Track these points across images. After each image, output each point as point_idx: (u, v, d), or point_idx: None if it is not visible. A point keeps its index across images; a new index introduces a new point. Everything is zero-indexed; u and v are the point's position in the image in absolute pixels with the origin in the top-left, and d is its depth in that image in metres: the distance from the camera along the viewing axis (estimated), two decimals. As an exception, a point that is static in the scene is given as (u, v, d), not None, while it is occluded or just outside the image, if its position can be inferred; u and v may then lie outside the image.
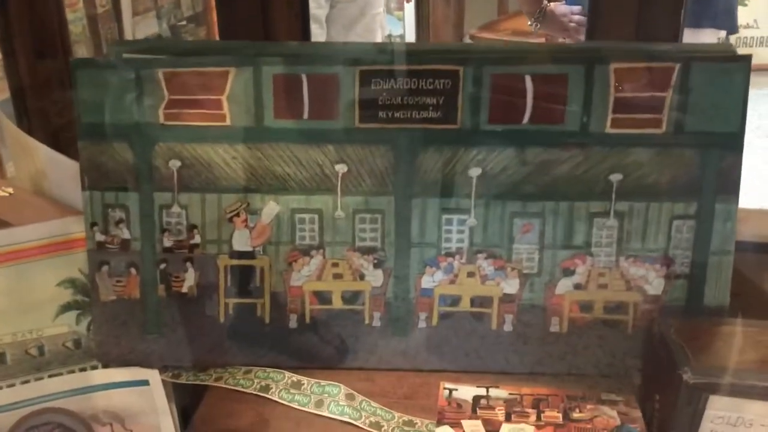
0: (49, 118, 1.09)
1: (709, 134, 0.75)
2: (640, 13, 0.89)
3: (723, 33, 2.00)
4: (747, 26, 4.34)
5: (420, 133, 0.77)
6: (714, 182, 0.76)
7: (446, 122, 0.77)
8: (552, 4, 1.85)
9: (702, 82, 0.74)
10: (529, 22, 1.88)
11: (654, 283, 0.79)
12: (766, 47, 4.34)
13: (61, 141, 0.96)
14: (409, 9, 3.66)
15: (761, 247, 0.91)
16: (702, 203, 0.77)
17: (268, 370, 0.82)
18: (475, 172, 0.78)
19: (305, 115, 0.78)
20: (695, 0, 1.75)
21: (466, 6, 3.56)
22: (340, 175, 0.79)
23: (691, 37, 1.88)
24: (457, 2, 3.52)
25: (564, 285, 0.80)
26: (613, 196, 0.77)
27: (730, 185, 0.76)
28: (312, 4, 2.08)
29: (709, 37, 1.93)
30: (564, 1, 1.91)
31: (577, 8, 1.81)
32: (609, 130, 0.76)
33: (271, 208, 0.80)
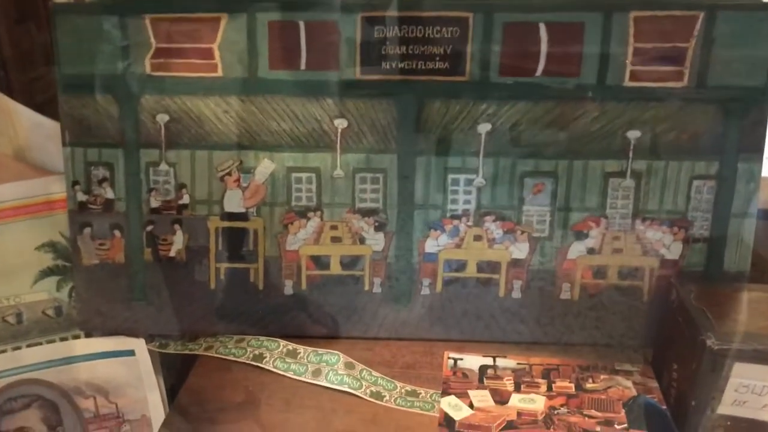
0: (33, 91, 1.04)
1: (733, 88, 0.71)
2: None
3: None
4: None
5: (425, 86, 0.72)
6: (737, 140, 0.72)
7: (454, 74, 0.72)
8: None
9: (727, 32, 0.69)
10: None
11: (671, 247, 0.75)
12: None
13: (46, 114, 0.90)
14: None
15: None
16: (724, 162, 0.72)
17: (262, 338, 0.77)
18: (484, 128, 0.73)
19: (302, 66, 0.73)
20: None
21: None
22: (339, 130, 0.74)
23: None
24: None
25: (576, 249, 0.75)
26: (631, 154, 0.73)
27: (754, 143, 0.72)
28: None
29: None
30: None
31: None
32: (627, 83, 0.71)
33: (265, 166, 0.75)
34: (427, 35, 0.72)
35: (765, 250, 0.83)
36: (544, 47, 0.71)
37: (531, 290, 0.77)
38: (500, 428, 0.65)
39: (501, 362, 0.74)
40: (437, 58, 0.72)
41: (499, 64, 0.72)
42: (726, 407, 0.65)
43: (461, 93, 0.72)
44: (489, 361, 0.74)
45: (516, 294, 0.77)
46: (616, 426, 0.65)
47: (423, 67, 0.72)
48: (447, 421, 0.66)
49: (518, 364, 0.74)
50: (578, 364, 0.74)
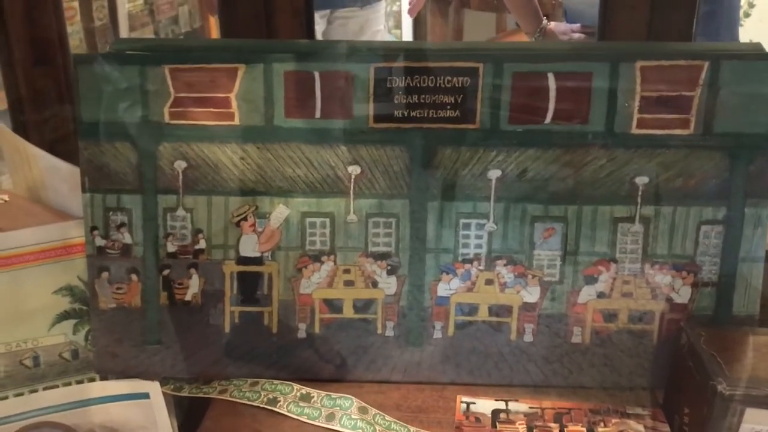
0: (46, 131, 1.06)
1: (739, 135, 0.72)
2: (650, 29, 0.87)
3: None
4: (741, 47, 4.36)
5: (437, 134, 0.74)
6: (743, 186, 0.73)
7: (464, 122, 0.74)
8: (552, 23, 1.84)
9: (731, 80, 0.71)
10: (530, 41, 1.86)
11: (681, 291, 0.75)
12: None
13: (58, 154, 0.92)
14: (407, 27, 3.66)
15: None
16: (731, 207, 0.74)
17: (276, 382, 0.77)
18: (494, 174, 0.75)
19: (317, 114, 0.75)
20: (699, 16, 1.73)
21: (465, 23, 3.56)
22: (353, 177, 0.76)
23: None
24: (455, 20, 3.52)
25: (587, 293, 0.76)
26: (639, 199, 0.74)
27: (761, 189, 0.73)
28: (306, 21, 2.07)
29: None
30: (564, 19, 1.90)
31: (576, 26, 1.79)
32: (635, 130, 0.73)
33: (280, 211, 0.77)
34: (438, 84, 0.74)
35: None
36: (552, 96, 0.73)
37: (542, 334, 0.77)
38: (514, 474, 0.66)
39: (513, 406, 0.75)
40: (448, 107, 0.74)
41: (508, 112, 0.73)
42: (738, 451, 0.65)
43: (472, 140, 0.74)
44: (501, 404, 0.75)
45: (528, 337, 0.78)
46: (629, 471, 0.65)
47: (434, 115, 0.74)
48: (461, 466, 0.67)
49: (530, 407, 0.75)
50: (590, 407, 0.74)
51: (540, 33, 1.85)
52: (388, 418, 0.73)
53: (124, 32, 2.84)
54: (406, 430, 0.72)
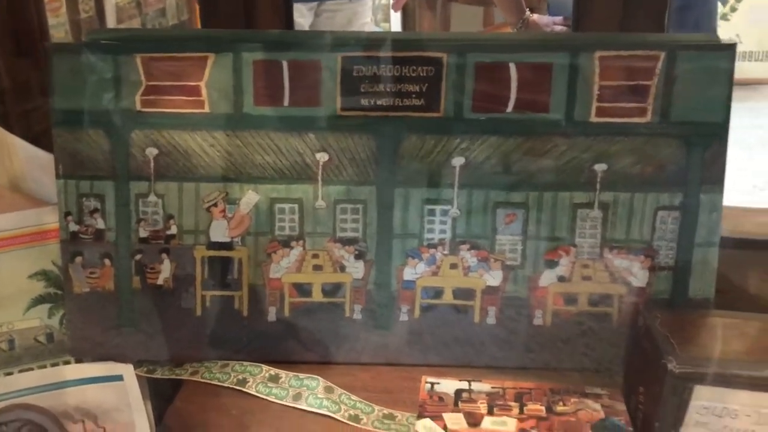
0: (29, 123, 1.07)
1: (694, 124, 0.75)
2: (623, 22, 0.89)
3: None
4: (730, 41, 4.39)
5: (403, 122, 0.76)
6: (699, 172, 0.75)
7: (429, 110, 0.76)
8: (534, 15, 1.86)
9: (687, 70, 0.74)
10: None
11: (638, 275, 0.78)
12: (748, 62, 4.39)
13: (42, 145, 0.93)
14: (395, 20, 3.66)
15: (745, 244, 0.90)
16: (687, 194, 0.76)
17: (246, 363, 0.79)
18: (458, 161, 0.77)
19: (286, 102, 0.76)
20: (675, 9, 1.76)
21: (452, 17, 3.58)
22: (321, 164, 0.78)
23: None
24: (443, 13, 3.53)
25: (547, 277, 0.79)
26: (598, 186, 0.76)
27: (715, 176, 0.75)
28: (294, 13, 2.08)
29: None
30: (547, 12, 1.92)
31: (559, 18, 1.82)
32: (593, 119, 0.75)
33: (250, 197, 0.79)
34: (404, 74, 0.75)
35: (735, 277, 0.87)
36: (514, 85, 0.75)
37: (505, 316, 0.80)
38: (472, 450, 0.68)
39: (476, 386, 0.77)
40: (414, 96, 0.76)
41: (471, 101, 0.75)
42: (688, 429, 0.67)
43: (436, 128, 0.76)
44: (465, 384, 0.77)
45: (491, 320, 0.80)
46: (583, 447, 0.68)
47: (400, 103, 0.76)
48: (422, 443, 0.69)
49: (492, 387, 0.77)
50: (550, 387, 0.77)
51: (522, 24, 1.87)
52: (353, 397, 0.76)
53: (111, 24, 2.84)
54: (370, 408, 0.74)
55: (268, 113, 0.77)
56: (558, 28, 1.80)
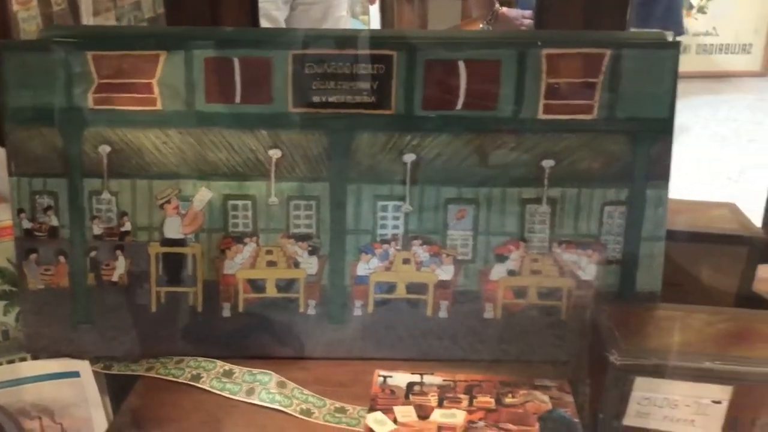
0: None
1: (640, 120, 0.76)
2: (585, 15, 0.90)
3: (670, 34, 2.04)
4: (706, 33, 4.44)
5: (354, 119, 0.77)
6: (645, 168, 0.77)
7: (380, 108, 0.77)
8: (503, 8, 1.87)
9: (632, 68, 0.75)
10: (481, 25, 1.90)
11: (587, 269, 0.79)
12: (724, 54, 4.43)
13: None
14: (374, 13, 3.66)
15: (700, 237, 0.92)
16: (633, 189, 0.77)
17: (200, 359, 0.80)
18: (409, 158, 0.78)
19: (237, 100, 0.77)
20: (641, 2, 1.78)
21: (430, 10, 3.58)
22: (273, 160, 0.78)
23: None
24: (421, 6, 3.54)
25: (498, 271, 0.80)
26: (546, 182, 0.78)
27: (661, 171, 0.77)
28: (270, 6, 2.07)
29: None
30: (517, 5, 1.93)
31: (528, 12, 1.83)
32: (541, 116, 0.76)
33: (203, 194, 0.79)
34: (354, 72, 0.76)
35: (691, 270, 0.89)
36: (463, 83, 0.76)
37: (457, 310, 0.81)
38: (421, 442, 0.69)
39: (428, 379, 0.78)
40: (365, 93, 0.77)
41: (422, 98, 0.76)
42: (630, 419, 0.69)
43: (387, 125, 0.77)
44: (417, 378, 0.78)
45: (443, 314, 0.81)
46: (528, 438, 0.69)
47: (352, 101, 0.77)
48: (370, 435, 0.70)
49: (444, 380, 0.78)
50: (501, 380, 0.78)
51: (492, 17, 1.88)
52: (306, 391, 0.77)
53: (87, 16, 2.81)
54: (322, 402, 0.75)
55: (221, 110, 0.77)
56: (527, 21, 1.81)
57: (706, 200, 1.02)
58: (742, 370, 0.67)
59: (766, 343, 0.71)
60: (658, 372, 0.67)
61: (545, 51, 0.75)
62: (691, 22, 4.61)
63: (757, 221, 0.94)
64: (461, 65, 0.75)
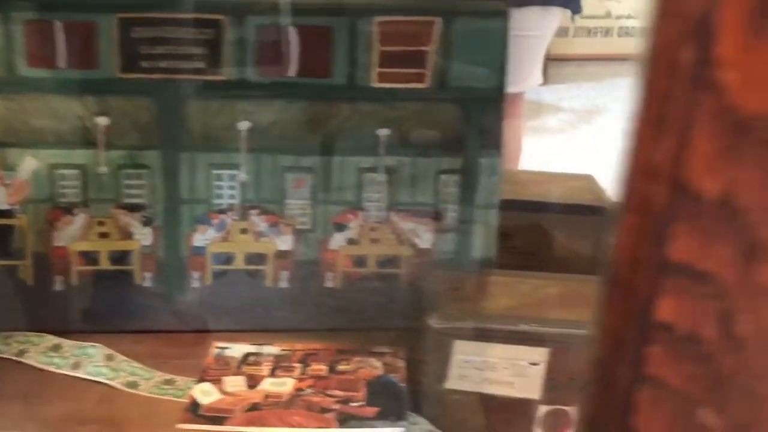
0: None
1: (471, 89, 0.77)
2: None
3: (569, 12, 2.09)
4: (628, 16, 4.56)
5: (185, 85, 0.75)
6: (477, 137, 0.78)
7: (212, 73, 0.75)
8: None
9: (463, 36, 0.75)
10: None
11: (424, 237, 0.80)
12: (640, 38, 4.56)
13: None
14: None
15: (555, 208, 0.95)
16: (467, 158, 0.78)
17: (29, 334, 0.77)
18: (243, 125, 0.77)
19: (61, 65, 0.74)
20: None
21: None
22: (102, 128, 0.76)
23: (540, 15, 1.95)
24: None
25: (337, 240, 0.80)
26: (382, 150, 0.78)
27: (493, 140, 0.78)
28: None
29: (556, 16, 2.02)
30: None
31: None
32: (375, 84, 0.76)
33: (28, 163, 0.76)
34: (184, 36, 0.74)
35: (541, 240, 0.91)
36: (295, 49, 0.75)
37: (297, 280, 0.80)
38: (244, 410, 0.69)
39: (266, 349, 0.78)
40: (195, 58, 0.75)
41: (254, 64, 0.75)
42: (453, 382, 0.70)
43: (220, 92, 0.76)
44: (255, 348, 0.78)
45: (283, 284, 0.81)
46: (351, 404, 0.69)
47: (182, 66, 0.75)
48: (193, 406, 0.69)
49: (283, 350, 0.78)
50: (340, 348, 0.78)
51: None
52: (134, 364, 0.75)
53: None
54: (150, 374, 0.74)
55: (44, 75, 0.74)
56: None
57: (566, 172, 1.04)
58: (557, 332, 0.69)
59: (587, 307, 0.74)
60: (477, 335, 0.69)
61: (377, 18, 0.75)
62: (613, 5, 4.74)
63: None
64: (292, 31, 0.75)
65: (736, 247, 0.22)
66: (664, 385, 0.24)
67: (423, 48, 0.76)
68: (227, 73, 0.75)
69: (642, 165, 0.23)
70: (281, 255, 0.80)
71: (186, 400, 0.70)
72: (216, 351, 0.77)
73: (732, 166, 0.21)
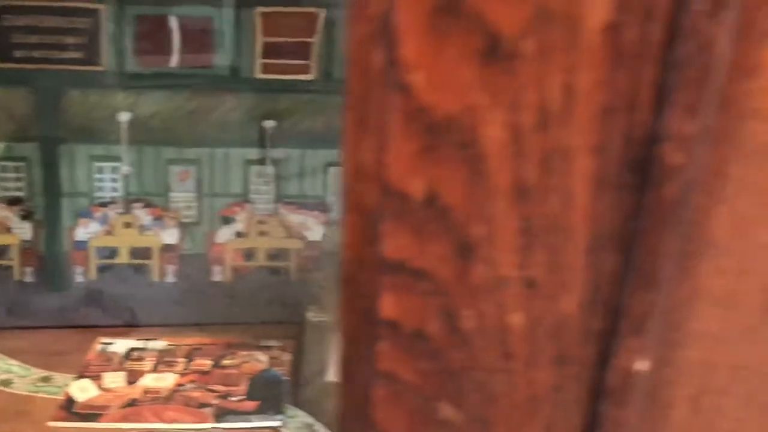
0: None
1: (357, 81, 0.77)
2: None
3: None
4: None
5: (63, 75, 0.73)
6: (365, 129, 0.78)
7: (90, 64, 0.73)
8: None
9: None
10: None
11: (314, 229, 0.80)
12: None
13: None
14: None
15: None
16: (355, 150, 0.78)
17: None
18: (124, 116, 0.75)
19: (-71, 53, 0.72)
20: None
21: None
22: (-25, 119, 0.74)
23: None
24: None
25: (224, 233, 0.79)
26: (268, 142, 0.77)
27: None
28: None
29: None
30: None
31: None
32: (259, 75, 0.75)
33: None
34: (60, 25, 0.72)
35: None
36: (176, 39, 0.74)
37: (184, 274, 0.79)
38: (121, 407, 0.68)
39: (152, 344, 0.77)
40: (72, 48, 0.73)
41: (134, 55, 0.74)
42: (333, 375, 0.70)
43: (99, 82, 0.74)
44: (140, 344, 0.77)
45: (170, 278, 0.79)
46: (230, 398, 0.69)
47: (59, 56, 0.73)
48: (69, 403, 0.68)
49: (168, 345, 0.77)
50: (228, 342, 0.78)
51: None
52: (10, 361, 0.73)
53: None
54: (27, 371, 0.72)
55: None
56: None
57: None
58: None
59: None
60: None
61: (260, 9, 0.74)
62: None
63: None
64: (173, 21, 0.73)
65: (448, 246, 0.22)
66: (398, 380, 0.24)
67: (307, 39, 0.75)
68: (106, 63, 0.73)
69: (353, 166, 0.23)
70: (167, 249, 0.79)
71: (61, 398, 0.69)
72: (100, 347, 0.76)
73: (433, 166, 0.21)
